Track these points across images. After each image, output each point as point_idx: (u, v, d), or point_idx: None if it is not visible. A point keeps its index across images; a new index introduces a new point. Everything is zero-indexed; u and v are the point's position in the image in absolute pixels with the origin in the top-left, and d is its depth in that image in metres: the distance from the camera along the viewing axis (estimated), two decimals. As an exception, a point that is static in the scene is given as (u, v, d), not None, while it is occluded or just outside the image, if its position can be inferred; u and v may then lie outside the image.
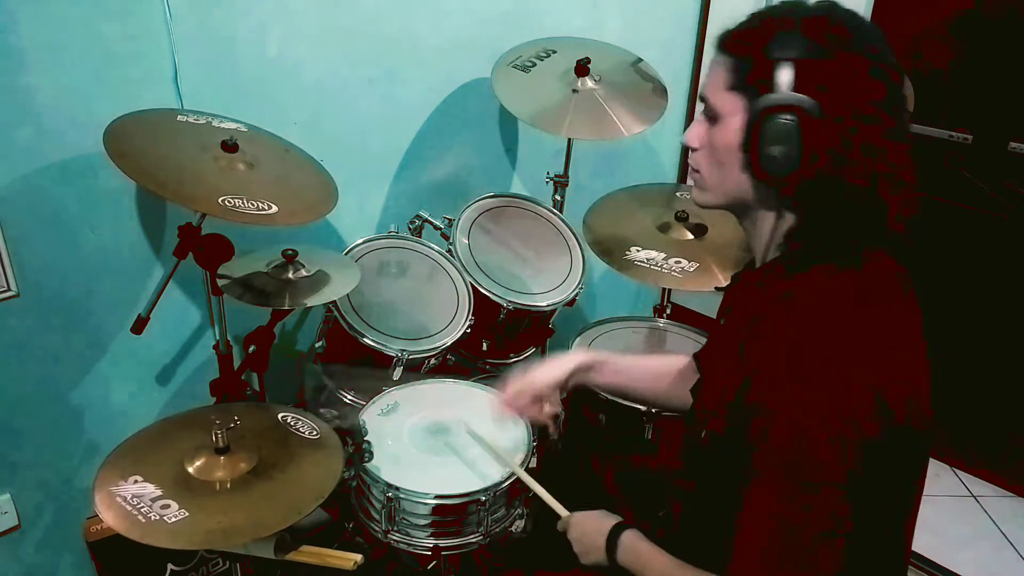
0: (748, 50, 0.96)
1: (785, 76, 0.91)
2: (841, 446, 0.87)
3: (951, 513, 2.45)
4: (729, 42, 0.99)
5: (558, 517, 1.33)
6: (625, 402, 1.78)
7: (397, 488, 1.47)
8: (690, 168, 1.10)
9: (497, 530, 1.54)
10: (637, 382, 1.43)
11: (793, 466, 0.89)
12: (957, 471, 2.63)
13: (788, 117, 0.91)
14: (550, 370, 1.40)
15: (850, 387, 0.88)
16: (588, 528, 1.24)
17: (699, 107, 1.06)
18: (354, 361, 1.78)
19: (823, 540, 0.89)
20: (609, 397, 1.81)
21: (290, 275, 1.61)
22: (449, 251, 1.96)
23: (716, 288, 1.28)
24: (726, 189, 1.03)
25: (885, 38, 0.95)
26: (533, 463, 1.57)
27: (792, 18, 0.94)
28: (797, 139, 0.91)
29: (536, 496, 1.51)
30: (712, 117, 1.01)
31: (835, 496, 0.88)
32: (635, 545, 1.16)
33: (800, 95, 0.91)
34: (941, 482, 2.59)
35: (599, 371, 1.41)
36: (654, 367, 1.44)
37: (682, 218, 1.98)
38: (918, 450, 0.99)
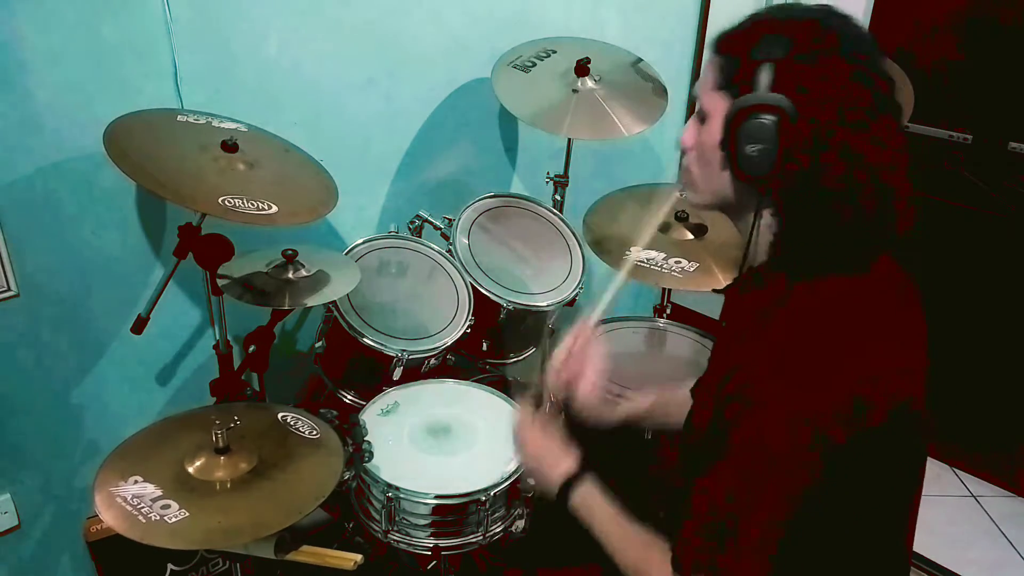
0: (735, 50, 0.97)
1: (765, 76, 0.92)
2: (803, 447, 0.88)
3: (951, 513, 2.45)
4: (720, 42, 1.00)
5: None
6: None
7: (397, 488, 1.47)
8: (682, 169, 1.10)
9: (497, 530, 1.54)
10: (653, 418, 1.44)
11: (753, 456, 0.90)
12: (957, 471, 2.63)
13: (766, 117, 0.92)
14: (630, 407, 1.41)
15: (828, 390, 0.89)
16: (548, 456, 1.21)
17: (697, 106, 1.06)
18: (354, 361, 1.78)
19: (757, 532, 0.90)
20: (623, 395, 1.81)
21: (290, 275, 1.61)
22: (449, 251, 1.96)
23: (714, 290, 1.28)
24: (713, 188, 1.04)
25: (877, 45, 0.95)
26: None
27: (782, 21, 0.95)
28: (774, 139, 0.92)
29: (536, 495, 1.51)
30: (702, 117, 1.02)
31: (782, 493, 0.89)
32: (591, 493, 1.15)
33: (778, 95, 0.91)
34: (941, 482, 2.59)
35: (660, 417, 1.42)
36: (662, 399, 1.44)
37: (682, 218, 1.98)
38: (904, 455, 0.99)
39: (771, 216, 1.00)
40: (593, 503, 1.14)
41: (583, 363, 1.31)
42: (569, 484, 1.16)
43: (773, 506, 0.90)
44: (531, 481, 1.25)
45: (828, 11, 0.96)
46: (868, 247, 0.98)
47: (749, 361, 0.94)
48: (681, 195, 1.14)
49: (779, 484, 0.89)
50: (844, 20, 0.96)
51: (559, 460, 1.19)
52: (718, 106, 0.98)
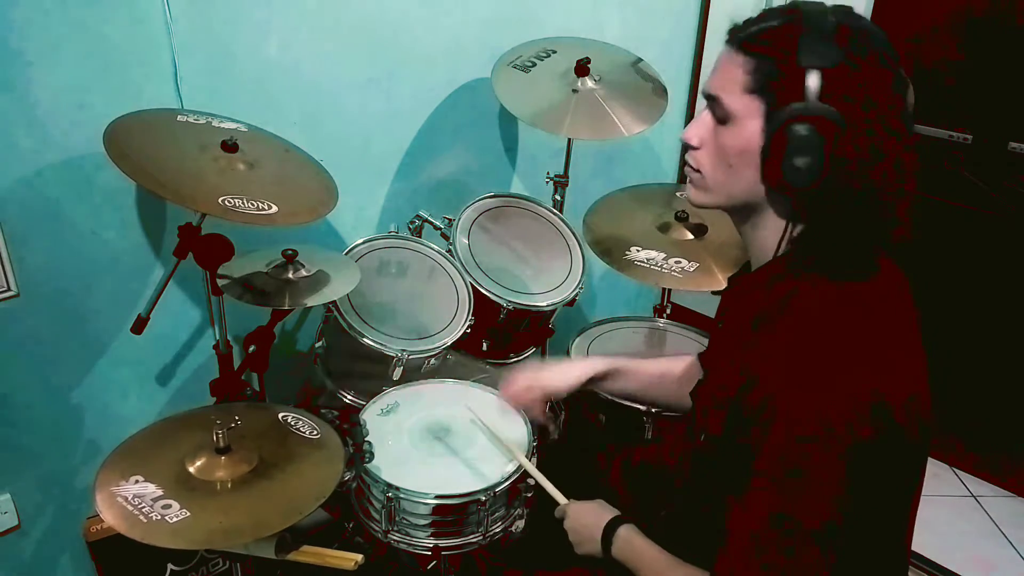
0: (772, 52, 0.93)
1: (813, 85, 0.89)
2: (837, 453, 0.88)
3: (951, 513, 2.45)
4: (750, 42, 0.95)
5: (556, 506, 1.35)
6: (627, 403, 1.78)
7: (397, 488, 1.47)
8: (686, 166, 1.07)
9: (497, 530, 1.54)
10: (646, 386, 1.46)
11: (788, 470, 0.89)
12: (957, 471, 2.64)
13: (814, 127, 0.90)
14: (564, 375, 1.43)
15: (850, 393, 0.89)
16: (585, 519, 1.25)
17: (700, 104, 1.03)
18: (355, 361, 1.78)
19: (811, 544, 0.89)
20: (609, 398, 1.81)
21: (290, 275, 1.61)
22: (449, 251, 1.96)
23: (713, 292, 1.28)
24: (731, 191, 1.01)
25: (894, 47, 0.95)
26: (533, 462, 1.57)
27: (815, 23, 0.92)
28: (821, 150, 0.90)
29: (536, 494, 1.51)
30: (723, 118, 0.98)
31: (827, 502, 0.89)
32: (630, 539, 1.17)
33: (827, 105, 0.89)
34: (941, 482, 2.59)
35: (612, 378, 1.44)
36: (660, 369, 1.45)
37: (682, 218, 1.98)
38: (916, 453, 0.99)
39: (795, 218, 0.99)
40: (636, 545, 1.16)
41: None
42: (610, 533, 1.19)
43: (821, 518, 0.89)
44: (577, 550, 1.27)
45: (850, 11, 0.95)
46: (885, 247, 0.98)
47: (765, 369, 0.93)
48: (681, 195, 1.13)
49: (823, 494, 0.89)
50: (868, 22, 0.94)
51: (597, 516, 1.23)
52: (751, 110, 0.95)
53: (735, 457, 0.94)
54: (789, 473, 0.89)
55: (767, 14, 0.96)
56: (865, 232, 0.95)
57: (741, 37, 0.96)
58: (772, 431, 0.90)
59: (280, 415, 1.49)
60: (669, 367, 1.44)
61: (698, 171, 1.04)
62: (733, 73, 0.96)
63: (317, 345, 1.82)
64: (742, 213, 1.05)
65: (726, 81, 0.97)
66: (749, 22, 0.98)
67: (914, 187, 0.94)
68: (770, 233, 1.02)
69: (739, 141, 0.97)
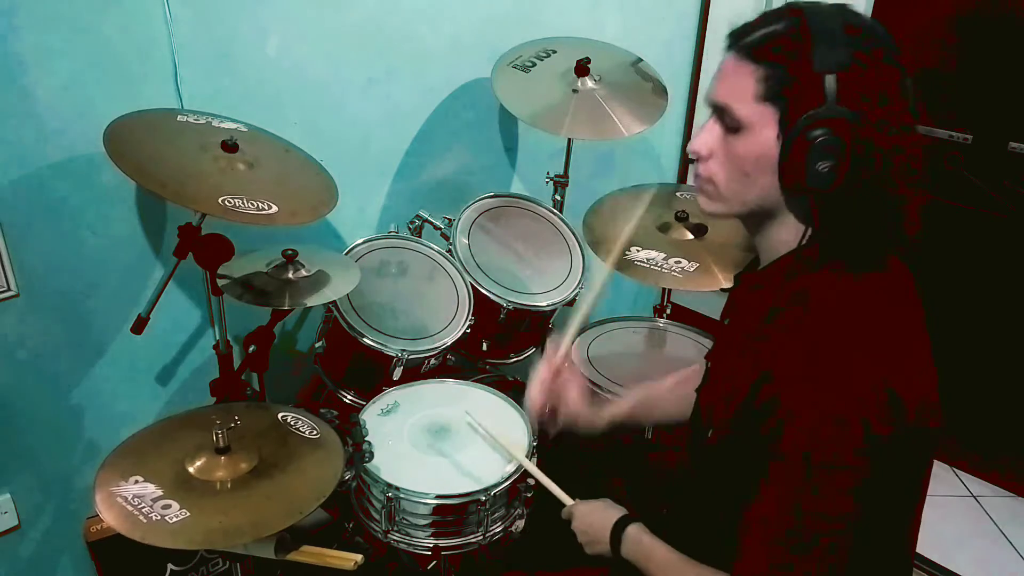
0: (783, 59, 0.92)
1: (829, 89, 0.89)
2: (853, 447, 0.88)
3: (951, 513, 2.45)
4: (759, 49, 0.94)
5: (561, 507, 1.34)
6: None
7: (397, 488, 1.47)
8: (697, 178, 1.05)
9: (497, 530, 1.54)
10: (670, 407, 1.45)
11: (805, 465, 0.89)
12: (957, 471, 2.64)
13: (834, 131, 0.90)
14: (597, 413, 1.44)
15: (865, 387, 0.89)
16: (593, 520, 1.25)
17: (700, 105, 1.04)
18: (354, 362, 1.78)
19: (830, 538, 0.90)
20: (609, 397, 1.81)
21: (290, 275, 1.61)
22: (449, 251, 1.96)
23: (721, 290, 1.28)
24: (746, 199, 1.01)
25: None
26: (534, 462, 1.57)
27: (823, 26, 0.91)
28: (843, 152, 0.90)
29: (536, 494, 1.51)
30: (734, 127, 0.97)
31: (844, 496, 0.89)
32: (639, 538, 1.17)
33: (844, 108, 0.89)
34: (941, 482, 2.59)
35: (638, 412, 1.47)
36: (676, 388, 1.45)
37: (682, 218, 1.98)
38: (925, 449, 0.99)
39: (808, 219, 0.99)
40: (645, 544, 1.16)
41: (563, 384, 1.41)
42: (618, 532, 1.19)
43: (839, 512, 0.89)
44: (587, 550, 1.26)
45: (849, 9, 0.95)
46: (898, 243, 0.98)
47: (779, 365, 0.93)
48: (681, 195, 1.13)
49: (841, 488, 0.89)
50: (871, 21, 0.95)
51: (605, 516, 1.23)
52: (765, 118, 0.94)
53: (748, 452, 0.94)
54: (806, 469, 0.89)
55: (768, 18, 0.95)
56: (883, 226, 0.96)
57: (748, 44, 0.95)
58: (787, 429, 0.90)
59: (280, 415, 1.49)
60: (645, 394, 1.46)
61: (710, 181, 1.03)
62: (743, 82, 0.95)
63: (317, 345, 1.82)
64: (757, 218, 1.04)
65: (735, 90, 0.96)
66: (751, 27, 0.96)
67: (926, 180, 0.94)
68: (787, 234, 1.02)
69: (754, 149, 0.96)
